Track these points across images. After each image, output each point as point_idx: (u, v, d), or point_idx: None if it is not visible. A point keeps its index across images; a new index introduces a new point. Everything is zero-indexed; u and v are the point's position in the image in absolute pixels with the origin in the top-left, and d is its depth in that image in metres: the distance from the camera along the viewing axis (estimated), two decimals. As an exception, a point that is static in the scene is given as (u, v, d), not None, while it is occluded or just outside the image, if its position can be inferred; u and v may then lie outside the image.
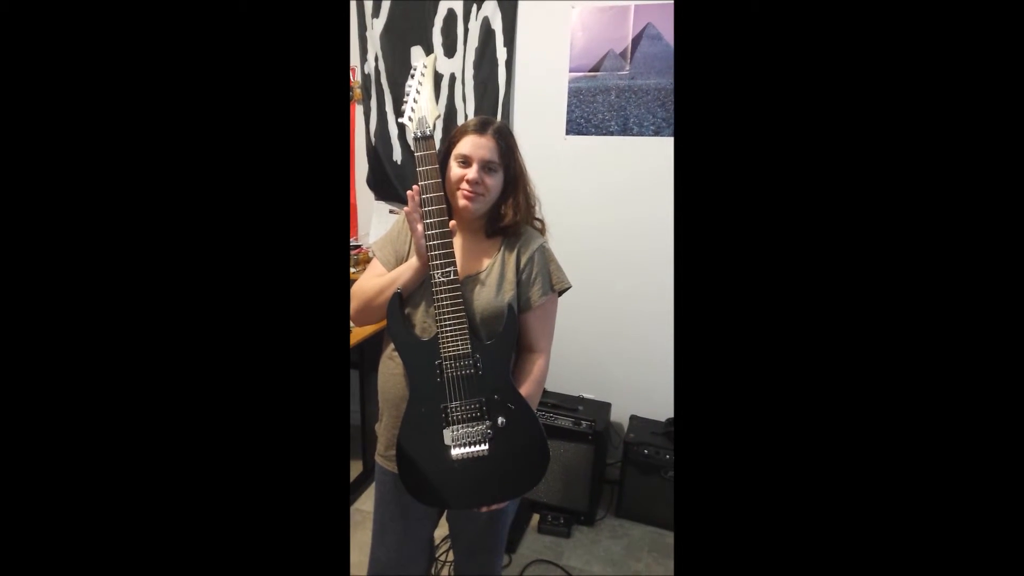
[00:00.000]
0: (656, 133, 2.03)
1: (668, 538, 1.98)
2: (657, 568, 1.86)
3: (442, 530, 1.25)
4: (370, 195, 2.45)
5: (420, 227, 0.97)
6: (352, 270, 2.29)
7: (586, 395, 2.20)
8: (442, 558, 1.77)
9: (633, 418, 2.17)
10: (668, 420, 2.10)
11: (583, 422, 2.00)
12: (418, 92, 1.00)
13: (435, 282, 0.95)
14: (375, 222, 2.43)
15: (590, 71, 2.06)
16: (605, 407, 2.16)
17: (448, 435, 0.98)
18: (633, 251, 2.12)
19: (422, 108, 0.99)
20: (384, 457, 1.11)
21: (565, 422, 2.00)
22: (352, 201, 2.51)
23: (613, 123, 2.07)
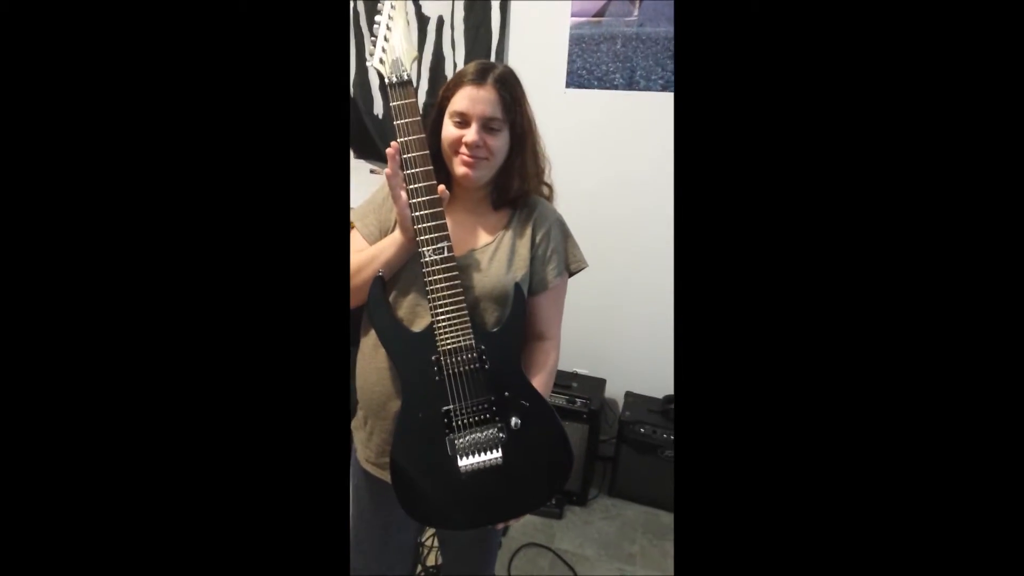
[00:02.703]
0: (664, 88, 1.85)
1: (663, 518, 1.92)
2: (652, 550, 1.80)
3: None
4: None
5: (404, 195, 0.79)
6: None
7: (580, 371, 2.09)
8: (428, 543, 1.67)
9: (628, 395, 2.07)
10: (666, 397, 2.00)
11: (577, 400, 1.90)
12: (388, 29, 0.80)
13: (426, 260, 0.79)
14: (354, 184, 2.23)
15: (594, 16, 1.85)
16: (600, 383, 2.05)
17: (453, 444, 0.83)
18: (634, 218, 1.97)
19: (395, 48, 0.79)
20: (376, 465, 0.94)
21: (559, 400, 1.90)
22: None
23: (618, 76, 1.88)
